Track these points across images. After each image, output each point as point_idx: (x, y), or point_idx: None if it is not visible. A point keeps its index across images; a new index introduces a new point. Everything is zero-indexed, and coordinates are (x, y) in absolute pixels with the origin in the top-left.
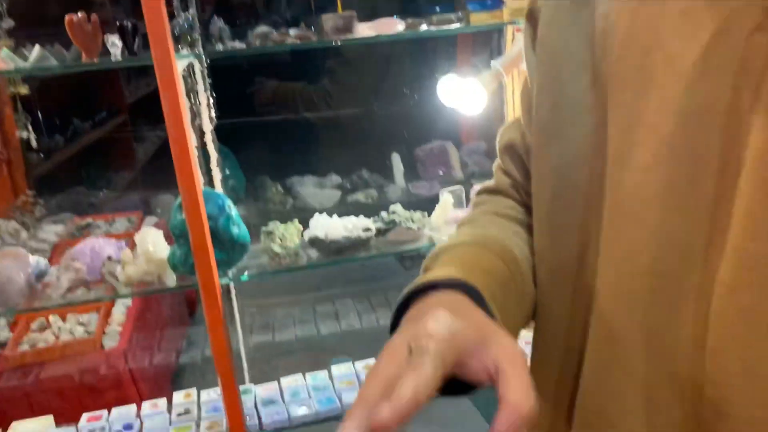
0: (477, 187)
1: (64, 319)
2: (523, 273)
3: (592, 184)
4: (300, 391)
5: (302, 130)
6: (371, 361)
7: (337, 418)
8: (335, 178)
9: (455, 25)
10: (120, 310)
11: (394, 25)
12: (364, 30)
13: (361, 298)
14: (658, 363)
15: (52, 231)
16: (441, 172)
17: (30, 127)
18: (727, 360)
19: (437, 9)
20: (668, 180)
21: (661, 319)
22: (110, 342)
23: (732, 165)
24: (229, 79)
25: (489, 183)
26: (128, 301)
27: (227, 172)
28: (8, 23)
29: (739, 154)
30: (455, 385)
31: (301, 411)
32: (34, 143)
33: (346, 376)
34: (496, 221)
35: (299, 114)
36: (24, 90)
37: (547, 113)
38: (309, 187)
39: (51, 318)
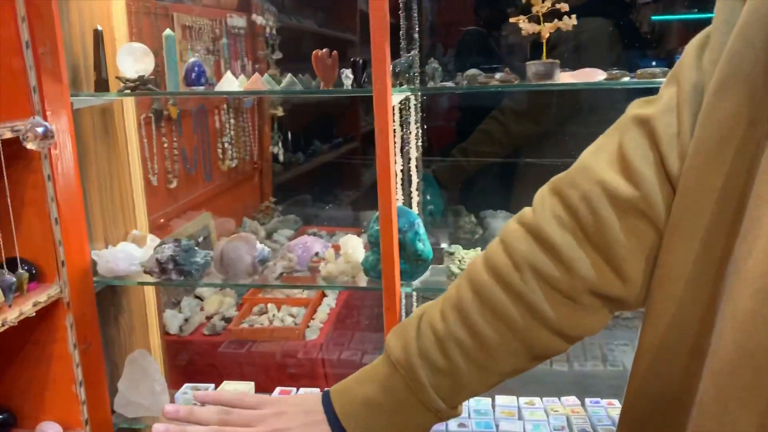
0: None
1: (279, 308)
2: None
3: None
4: (462, 411)
5: (507, 170)
6: (536, 399)
7: None
8: None
9: (659, 80)
10: (324, 310)
11: (596, 75)
12: (565, 77)
13: None
14: None
15: (283, 235)
16: None
17: (280, 144)
18: None
19: (653, 63)
20: None
21: None
22: (311, 335)
23: None
24: (451, 122)
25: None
26: (333, 303)
27: (428, 197)
28: (278, 55)
29: None
30: None
31: (458, 428)
32: (281, 157)
33: (507, 407)
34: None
35: (505, 156)
36: (280, 112)
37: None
38: (499, 221)
39: (269, 305)
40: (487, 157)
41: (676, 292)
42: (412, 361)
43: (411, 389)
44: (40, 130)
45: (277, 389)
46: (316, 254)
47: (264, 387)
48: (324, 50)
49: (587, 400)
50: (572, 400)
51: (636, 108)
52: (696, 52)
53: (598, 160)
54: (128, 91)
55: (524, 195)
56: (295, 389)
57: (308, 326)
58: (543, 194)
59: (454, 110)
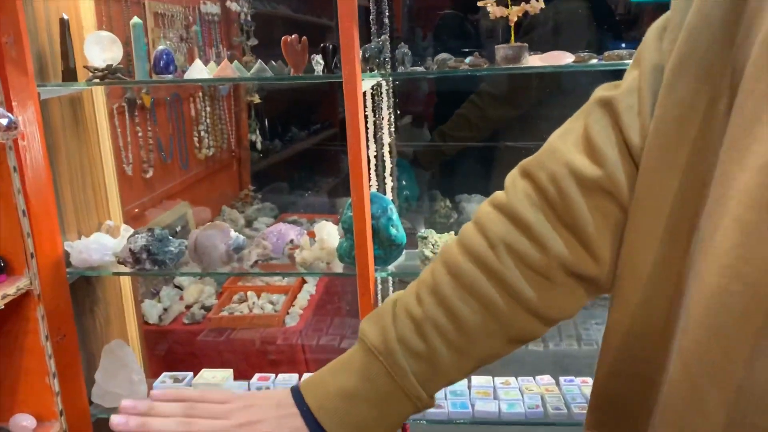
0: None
1: (259, 296)
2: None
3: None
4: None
5: (484, 154)
6: (511, 379)
7: (465, 423)
8: None
9: (627, 62)
10: (304, 297)
11: (563, 58)
12: (534, 61)
13: None
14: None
15: (263, 222)
16: None
17: (258, 131)
18: None
19: (622, 45)
20: None
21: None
22: (291, 321)
23: None
24: (425, 108)
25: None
26: (312, 289)
27: (404, 183)
28: (253, 41)
29: None
30: None
31: (434, 409)
32: (259, 145)
33: (482, 387)
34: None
35: (481, 140)
36: (257, 99)
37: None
38: (474, 205)
39: (249, 294)
40: (465, 141)
41: (643, 271)
42: (392, 347)
43: (391, 376)
44: (3, 121)
45: (256, 375)
46: (291, 241)
47: (243, 374)
48: (293, 36)
49: (561, 379)
50: (547, 379)
51: (601, 91)
52: (657, 34)
53: (565, 142)
54: (96, 80)
55: (501, 179)
56: (274, 375)
57: (288, 313)
58: (514, 177)
59: (432, 95)
